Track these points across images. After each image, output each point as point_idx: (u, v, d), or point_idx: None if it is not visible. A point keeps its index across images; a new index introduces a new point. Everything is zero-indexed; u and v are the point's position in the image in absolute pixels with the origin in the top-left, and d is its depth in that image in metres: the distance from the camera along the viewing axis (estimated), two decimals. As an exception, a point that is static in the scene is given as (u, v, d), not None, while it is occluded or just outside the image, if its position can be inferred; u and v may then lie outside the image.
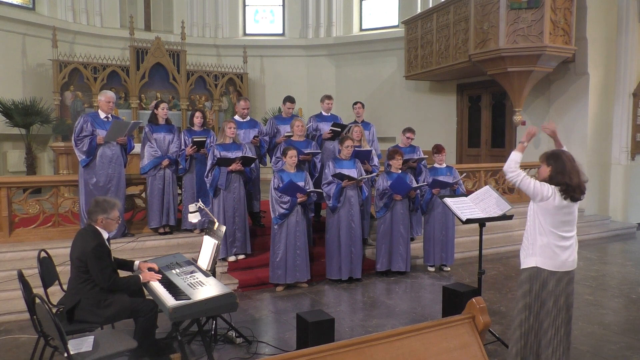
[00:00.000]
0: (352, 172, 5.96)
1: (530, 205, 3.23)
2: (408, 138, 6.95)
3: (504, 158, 11.36)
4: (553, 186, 3.10)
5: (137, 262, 4.02)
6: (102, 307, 3.58)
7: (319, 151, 6.67)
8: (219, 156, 5.85)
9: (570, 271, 3.18)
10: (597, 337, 4.42)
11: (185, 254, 4.62)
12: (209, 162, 5.89)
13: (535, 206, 3.18)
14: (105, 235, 3.74)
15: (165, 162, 6.29)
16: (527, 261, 3.20)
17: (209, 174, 5.87)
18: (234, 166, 5.85)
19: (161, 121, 6.45)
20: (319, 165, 6.59)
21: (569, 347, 3.22)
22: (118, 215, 3.79)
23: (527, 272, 3.19)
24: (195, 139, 6.24)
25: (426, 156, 7.03)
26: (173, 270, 3.99)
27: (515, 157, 3.31)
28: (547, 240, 3.11)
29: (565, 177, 3.06)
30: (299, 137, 6.37)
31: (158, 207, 6.36)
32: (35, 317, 3.21)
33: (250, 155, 6.08)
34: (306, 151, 6.32)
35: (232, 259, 6.07)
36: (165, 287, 3.65)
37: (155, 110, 6.47)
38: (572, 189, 3.05)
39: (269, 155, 6.87)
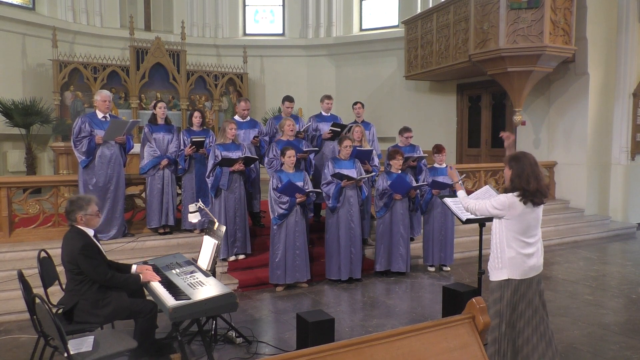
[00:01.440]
0: (352, 172, 5.96)
1: (495, 219, 3.23)
2: (407, 138, 6.95)
3: (504, 158, 11.34)
4: (510, 195, 3.07)
5: (134, 267, 3.98)
6: (101, 306, 3.57)
7: (316, 149, 6.68)
8: (220, 157, 5.85)
9: (539, 273, 3.21)
10: (597, 337, 4.42)
11: (185, 254, 4.62)
12: (210, 163, 5.90)
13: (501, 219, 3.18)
14: (91, 232, 3.69)
15: (164, 162, 6.29)
16: (497, 274, 3.19)
17: (211, 175, 5.87)
18: (237, 166, 5.85)
19: (160, 121, 6.45)
20: (313, 162, 6.61)
21: (552, 342, 3.22)
22: (97, 209, 3.72)
23: (498, 282, 3.20)
24: (194, 139, 6.25)
25: (426, 155, 7.02)
26: (173, 270, 3.99)
27: (461, 195, 3.55)
28: (514, 252, 3.11)
29: (522, 181, 3.02)
30: (289, 137, 6.35)
31: (157, 207, 6.36)
32: (35, 317, 3.21)
33: (251, 155, 6.09)
34: (305, 149, 6.33)
35: (232, 258, 6.07)
36: (165, 287, 3.64)
37: (154, 110, 6.48)
38: (530, 193, 3.02)
39: (268, 156, 6.89)
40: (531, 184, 3.02)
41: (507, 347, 3.14)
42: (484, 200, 3.28)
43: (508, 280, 3.14)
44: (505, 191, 3.15)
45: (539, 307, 3.19)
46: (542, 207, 3.17)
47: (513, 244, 3.11)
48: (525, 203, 3.05)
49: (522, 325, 3.14)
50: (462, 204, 3.47)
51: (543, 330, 3.18)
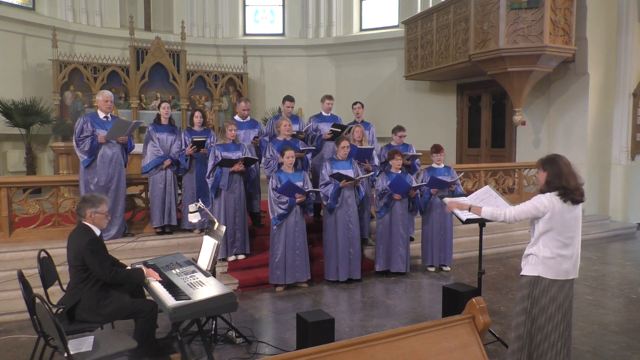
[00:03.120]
0: (349, 173, 5.96)
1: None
2: (400, 137, 6.93)
3: (504, 158, 11.38)
4: (549, 194, 3.09)
5: (129, 268, 4.00)
6: (102, 306, 3.58)
7: (313, 148, 6.68)
8: (220, 157, 5.85)
9: (573, 278, 3.19)
10: (597, 337, 4.42)
11: (185, 254, 4.63)
12: (211, 163, 5.90)
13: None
14: (97, 231, 3.72)
15: (167, 162, 6.29)
16: (529, 269, 3.19)
17: (211, 175, 5.88)
18: (237, 167, 5.85)
19: (164, 121, 6.46)
20: (310, 162, 6.63)
21: (570, 349, 3.24)
22: (107, 210, 3.76)
23: (528, 278, 3.20)
24: (195, 139, 6.25)
25: (420, 154, 7.02)
26: (173, 270, 4.00)
27: (486, 211, 3.43)
28: (550, 251, 3.10)
29: (562, 180, 3.06)
30: (285, 137, 6.34)
31: (159, 207, 6.36)
32: (35, 317, 3.21)
33: (251, 155, 6.09)
34: (302, 148, 6.33)
35: (232, 258, 6.07)
36: (165, 287, 3.65)
37: (158, 111, 6.51)
38: (570, 191, 3.05)
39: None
40: (571, 182, 3.06)
41: (530, 344, 3.15)
42: (521, 205, 3.21)
43: (538, 277, 3.14)
44: (541, 192, 3.16)
45: (568, 312, 3.17)
46: (580, 206, 3.16)
47: (550, 243, 3.11)
48: (565, 201, 3.07)
49: (550, 329, 3.12)
50: (498, 218, 3.32)
51: (567, 337, 3.17)
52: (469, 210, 3.66)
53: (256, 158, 6.24)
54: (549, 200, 3.08)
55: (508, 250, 7.65)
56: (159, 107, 6.55)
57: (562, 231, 3.10)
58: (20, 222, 6.18)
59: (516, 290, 3.29)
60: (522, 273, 3.25)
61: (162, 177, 6.34)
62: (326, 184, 5.95)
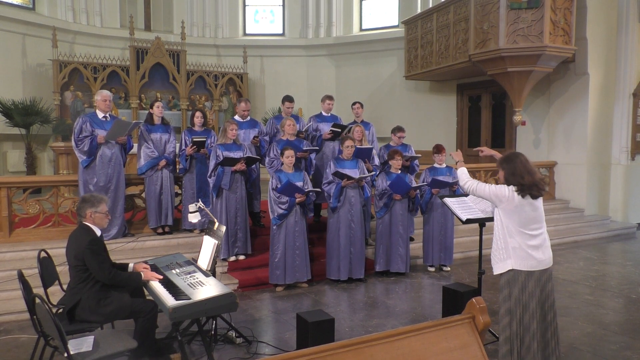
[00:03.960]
0: (354, 172, 5.96)
1: (496, 211, 3.32)
2: (400, 137, 6.92)
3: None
4: (511, 187, 3.20)
5: (131, 265, 4.01)
6: (102, 305, 3.58)
7: (316, 148, 6.68)
8: (222, 156, 5.85)
9: (548, 269, 3.23)
10: (597, 337, 4.42)
11: (185, 254, 4.62)
12: (212, 163, 5.90)
13: (499, 210, 3.26)
14: (98, 232, 3.72)
15: (163, 162, 6.28)
16: (502, 265, 3.25)
17: (213, 174, 5.88)
18: (239, 166, 5.86)
19: (157, 120, 6.44)
20: (314, 162, 6.61)
21: (559, 342, 3.26)
22: (107, 209, 3.77)
23: (505, 277, 3.25)
24: (195, 139, 6.24)
25: (419, 155, 7.02)
26: (173, 270, 3.99)
27: (462, 171, 3.65)
28: (517, 241, 3.17)
29: (517, 177, 3.18)
30: (289, 137, 6.35)
31: (155, 207, 6.36)
32: (35, 317, 3.21)
33: (253, 155, 6.09)
34: (304, 148, 6.33)
35: (232, 258, 6.07)
36: (165, 287, 3.65)
37: (150, 110, 6.47)
38: (527, 187, 3.16)
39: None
40: (525, 178, 3.16)
41: (520, 345, 3.16)
42: (485, 185, 3.39)
43: (513, 272, 3.18)
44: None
45: (550, 307, 3.20)
46: (541, 200, 3.25)
47: (515, 235, 3.18)
48: (523, 196, 3.16)
49: (536, 327, 3.15)
50: (461, 181, 3.59)
51: (553, 331, 3.20)
52: (456, 163, 3.94)
53: (258, 157, 6.24)
54: (508, 193, 3.20)
55: (508, 250, 7.64)
56: (151, 106, 6.49)
57: (525, 224, 3.18)
58: (20, 222, 6.18)
59: (498, 292, 3.32)
60: (496, 273, 3.31)
61: (158, 177, 6.34)
62: (329, 183, 5.96)
